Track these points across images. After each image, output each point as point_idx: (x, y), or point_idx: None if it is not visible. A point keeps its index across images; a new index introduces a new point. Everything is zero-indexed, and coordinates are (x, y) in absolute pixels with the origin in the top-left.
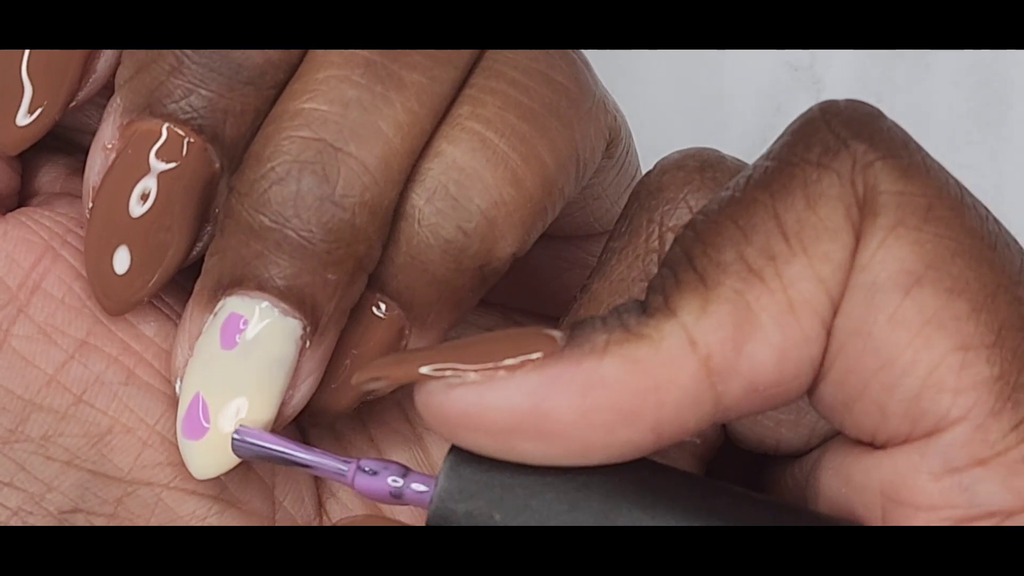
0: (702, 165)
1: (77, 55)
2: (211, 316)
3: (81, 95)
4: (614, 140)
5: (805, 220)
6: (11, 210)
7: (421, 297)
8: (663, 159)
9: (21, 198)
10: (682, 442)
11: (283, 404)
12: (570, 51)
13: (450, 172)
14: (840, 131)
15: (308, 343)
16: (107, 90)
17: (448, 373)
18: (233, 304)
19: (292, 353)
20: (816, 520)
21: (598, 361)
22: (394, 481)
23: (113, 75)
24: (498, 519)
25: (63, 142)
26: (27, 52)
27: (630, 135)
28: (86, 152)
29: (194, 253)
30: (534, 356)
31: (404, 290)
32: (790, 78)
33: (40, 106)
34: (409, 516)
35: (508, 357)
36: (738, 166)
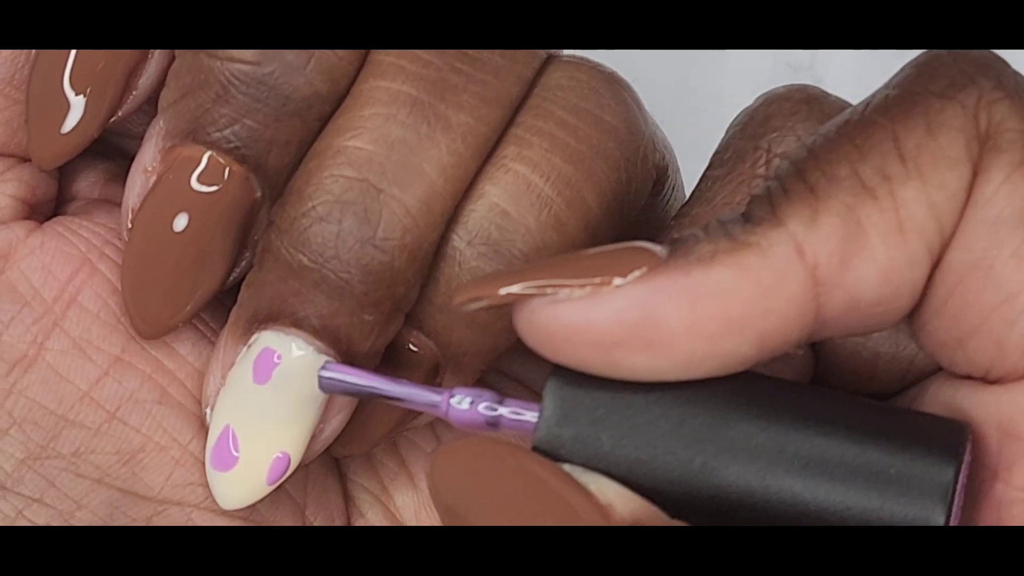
0: (809, 98)
1: (119, 71)
2: (245, 348)
3: (122, 111)
4: (661, 179)
5: (924, 146)
6: (48, 217)
7: (458, 338)
8: (766, 93)
9: (58, 203)
10: (785, 355)
11: (313, 438)
12: (621, 89)
13: (492, 215)
14: (967, 68)
15: None
16: (149, 102)
17: (552, 290)
18: (267, 339)
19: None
20: (927, 420)
21: (706, 269)
22: (489, 409)
23: (154, 91)
24: (605, 440)
25: (103, 145)
26: (69, 66)
27: (677, 171)
28: (125, 156)
29: (231, 279)
30: (640, 270)
31: (442, 330)
32: (790, 78)
33: (81, 121)
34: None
35: (611, 272)
36: (842, 103)
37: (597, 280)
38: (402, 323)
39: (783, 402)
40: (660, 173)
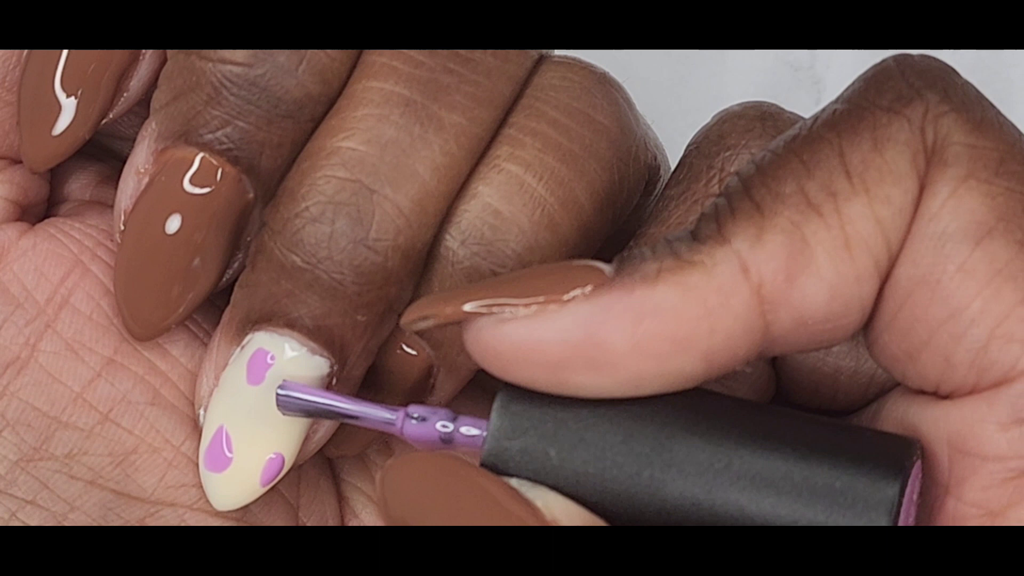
0: (763, 115)
1: (110, 73)
2: (238, 349)
3: (113, 113)
4: (653, 178)
5: (870, 161)
6: (40, 219)
7: (452, 338)
8: (722, 111)
9: (49, 204)
10: (735, 373)
11: (306, 439)
12: (613, 89)
13: (486, 215)
14: (914, 80)
15: (335, 380)
16: (140, 103)
17: (497, 309)
18: (261, 340)
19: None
20: (876, 436)
21: (651, 288)
22: (443, 426)
23: (146, 93)
24: (553, 454)
25: (94, 147)
26: (60, 68)
27: (669, 171)
28: (116, 158)
29: (224, 280)
30: (585, 288)
31: (435, 330)
32: (790, 78)
33: (72, 123)
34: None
35: (558, 290)
36: (796, 119)
37: (542, 299)
38: (395, 323)
39: (731, 418)
40: (652, 173)
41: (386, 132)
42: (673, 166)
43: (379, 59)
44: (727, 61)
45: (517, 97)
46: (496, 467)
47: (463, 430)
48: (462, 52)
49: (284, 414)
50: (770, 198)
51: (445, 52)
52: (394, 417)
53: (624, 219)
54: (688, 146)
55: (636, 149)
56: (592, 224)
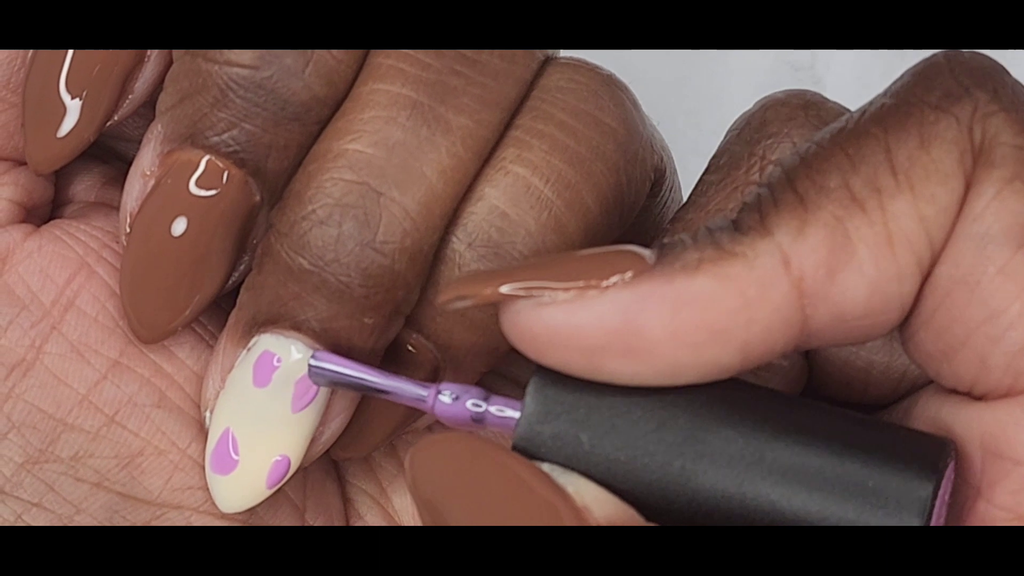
0: (806, 104)
1: (115, 74)
2: (244, 351)
3: (118, 115)
4: (659, 180)
5: (916, 158)
6: (45, 221)
7: (459, 340)
8: (764, 97)
9: (54, 206)
10: (770, 364)
11: (312, 441)
12: (619, 91)
13: (493, 217)
14: (963, 78)
15: None
16: (145, 105)
17: (536, 292)
18: (267, 342)
19: (324, 392)
20: (910, 434)
21: (691, 278)
22: (475, 405)
23: (151, 95)
24: (585, 440)
25: (99, 149)
26: (65, 70)
27: (675, 172)
28: (121, 159)
29: (230, 283)
30: (625, 275)
31: (442, 332)
32: (790, 78)
33: (77, 125)
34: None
35: (598, 275)
36: (840, 109)
37: (582, 283)
38: (402, 325)
39: (764, 411)
40: (658, 174)
41: (393, 134)
42: (676, 167)
43: (386, 61)
44: (728, 61)
45: (523, 99)
46: (527, 451)
47: (494, 410)
48: (468, 54)
49: (315, 383)
50: (814, 191)
51: (451, 54)
52: (426, 393)
53: (630, 221)
54: (729, 131)
55: (642, 151)
56: (599, 226)
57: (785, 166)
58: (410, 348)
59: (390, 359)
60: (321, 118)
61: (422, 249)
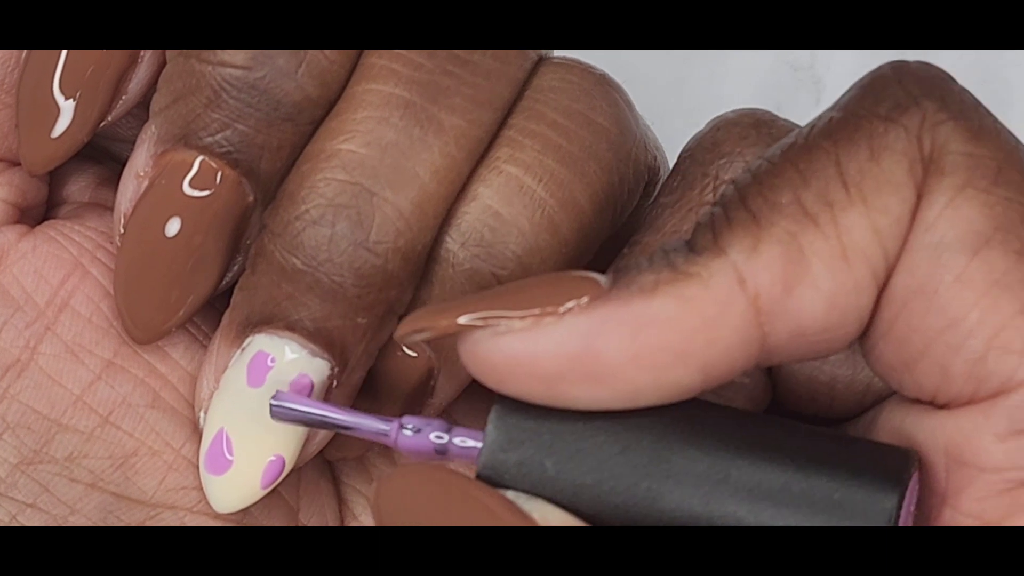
0: (757, 123)
1: (109, 75)
2: (238, 352)
3: (112, 115)
4: (652, 180)
5: (867, 171)
6: (39, 221)
7: (452, 341)
8: (716, 118)
9: (48, 207)
10: (732, 382)
11: (307, 442)
12: (612, 91)
13: (486, 217)
14: (911, 88)
15: (335, 383)
16: (139, 106)
17: (492, 321)
18: (261, 342)
19: (318, 393)
20: (874, 447)
21: (648, 300)
22: (438, 437)
23: (144, 96)
24: (549, 466)
25: (92, 149)
26: (59, 70)
27: (669, 171)
28: (115, 160)
29: (224, 283)
30: (581, 299)
31: None
32: (790, 78)
33: (71, 125)
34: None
35: (554, 302)
36: (791, 126)
37: (538, 311)
38: (396, 325)
39: (728, 429)
40: (652, 174)
41: (386, 134)
42: (665, 168)
43: (378, 61)
44: (727, 61)
45: (516, 99)
46: (492, 479)
47: (457, 441)
48: (461, 54)
49: (277, 422)
50: (766, 208)
51: (444, 54)
52: (388, 428)
53: (624, 220)
54: (682, 153)
55: (635, 150)
56: (592, 225)
57: (737, 184)
58: (404, 349)
59: (384, 362)
60: (314, 118)
61: (415, 249)
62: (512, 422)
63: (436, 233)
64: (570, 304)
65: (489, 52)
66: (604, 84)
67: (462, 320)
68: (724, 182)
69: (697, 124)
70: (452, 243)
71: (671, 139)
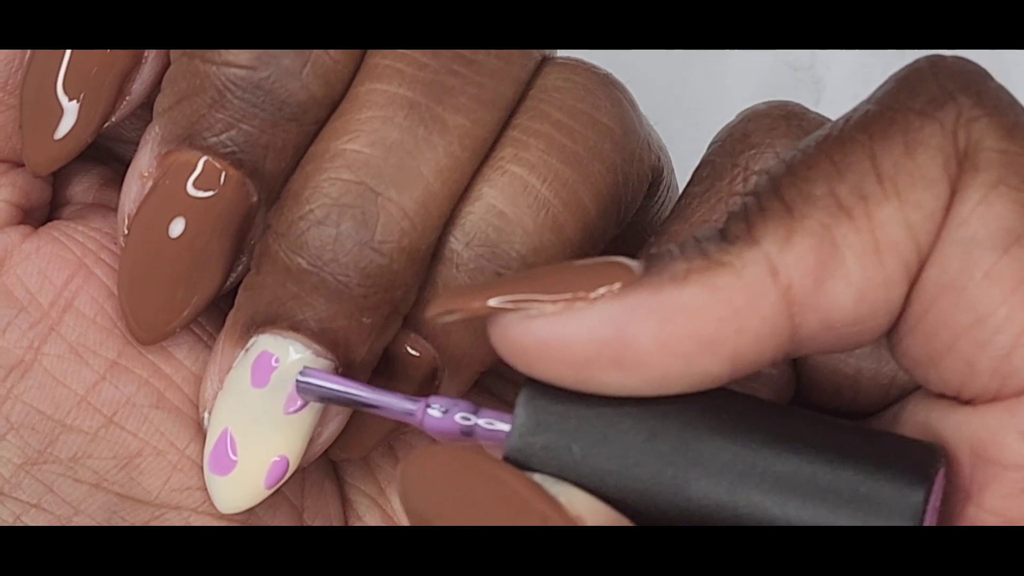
0: (788, 114)
1: (113, 76)
2: (243, 352)
3: (116, 116)
4: (656, 180)
5: (902, 165)
6: (43, 222)
7: (457, 340)
8: (746, 109)
9: (52, 207)
10: (758, 373)
11: (311, 442)
12: (616, 90)
13: (490, 217)
14: (947, 83)
15: None
16: (143, 107)
17: (524, 305)
18: (265, 342)
19: None
20: (901, 441)
21: (679, 289)
22: (464, 419)
23: (148, 96)
24: (576, 451)
25: (96, 150)
26: (63, 71)
27: (672, 172)
28: (119, 161)
29: (228, 283)
30: (613, 286)
31: (440, 333)
32: (790, 78)
33: (75, 126)
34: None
35: (586, 287)
36: (821, 119)
37: (570, 296)
38: (400, 326)
39: (755, 419)
40: (655, 174)
41: (390, 134)
42: (675, 167)
43: (383, 61)
44: (727, 61)
45: (520, 99)
46: (519, 462)
47: (484, 423)
48: (465, 54)
49: (303, 399)
50: (800, 199)
51: (448, 54)
52: (415, 408)
53: (628, 220)
54: (711, 143)
55: (639, 150)
56: (596, 225)
57: (771, 174)
58: (408, 350)
59: (388, 362)
60: (319, 118)
61: (420, 249)
62: (540, 405)
63: (440, 233)
64: (602, 290)
65: (493, 52)
66: (608, 84)
67: (493, 302)
68: (754, 172)
69: (697, 124)
70: (456, 243)
71: (671, 139)
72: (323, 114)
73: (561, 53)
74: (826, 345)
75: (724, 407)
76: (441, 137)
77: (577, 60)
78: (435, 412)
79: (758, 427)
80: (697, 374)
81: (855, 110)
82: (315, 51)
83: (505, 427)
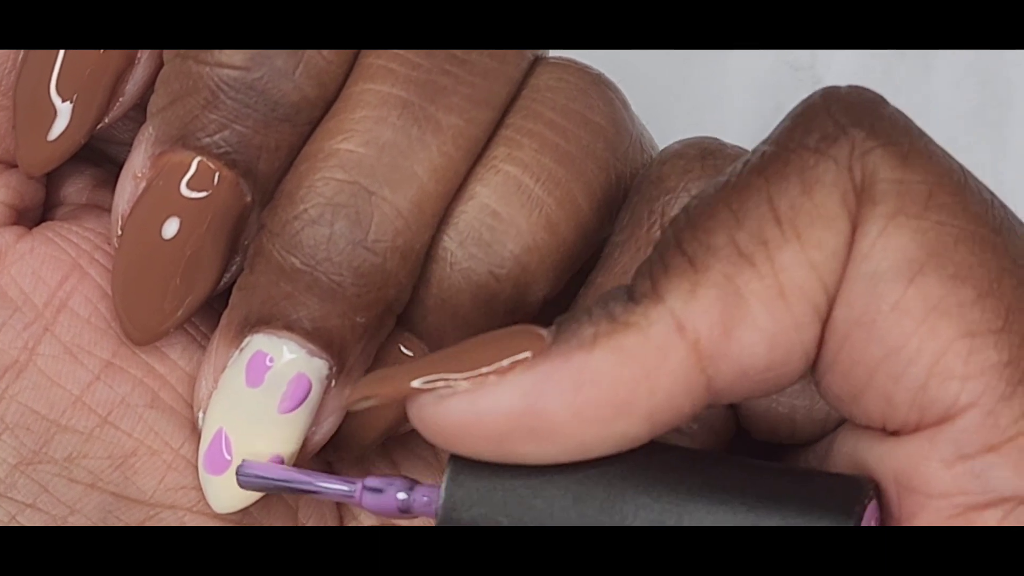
0: (702, 153)
1: (106, 77)
2: (237, 351)
3: (109, 117)
4: None
5: (799, 206)
6: (36, 223)
7: (450, 339)
8: (664, 149)
9: (45, 208)
10: (679, 428)
11: (305, 442)
12: (609, 90)
13: (483, 216)
14: (840, 117)
15: (334, 382)
16: (136, 108)
17: (438, 384)
18: (260, 342)
19: (317, 392)
20: (829, 479)
21: (587, 355)
22: (401, 496)
23: (142, 98)
24: (505, 522)
25: (90, 151)
26: (56, 73)
27: None
28: (112, 162)
29: (222, 284)
30: (523, 356)
31: (433, 331)
32: (790, 78)
33: (68, 128)
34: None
35: (496, 360)
36: (738, 153)
37: (483, 370)
38: (394, 325)
39: (680, 472)
40: None
41: (384, 134)
42: None
43: (376, 61)
44: (727, 61)
45: (514, 98)
46: None
47: (419, 499)
48: (458, 53)
49: (244, 488)
50: (701, 251)
51: (442, 54)
52: (352, 489)
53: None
54: (633, 186)
55: (632, 150)
56: (590, 224)
57: (674, 227)
58: (402, 347)
59: (382, 361)
60: (312, 119)
61: (414, 248)
62: (464, 481)
63: (434, 232)
64: (512, 360)
65: (486, 52)
66: (600, 84)
67: (409, 384)
68: (670, 219)
69: (697, 124)
70: (450, 242)
71: (671, 139)
72: (316, 114)
73: (561, 53)
74: (744, 392)
75: (647, 463)
76: (435, 136)
77: (569, 60)
78: (372, 492)
79: (682, 480)
80: (615, 437)
81: (753, 152)
82: (308, 51)
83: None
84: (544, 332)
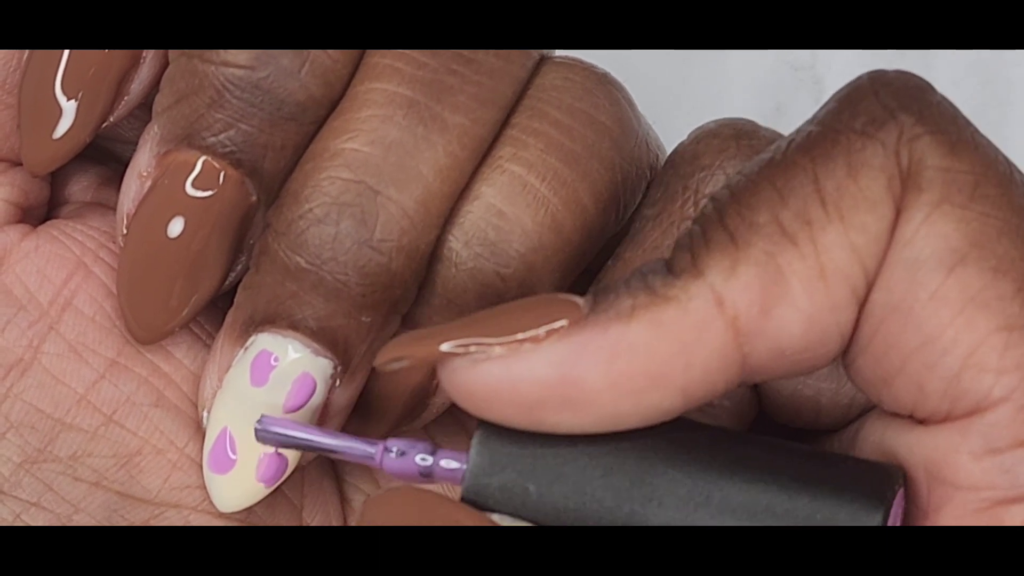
0: (737, 133)
1: (111, 76)
2: (242, 351)
3: (114, 116)
4: (654, 179)
5: (844, 188)
6: (41, 221)
7: None
8: (698, 128)
9: (50, 207)
10: (711, 404)
11: None
12: (614, 89)
13: (489, 216)
14: (888, 101)
15: (338, 382)
16: (141, 106)
17: (472, 348)
18: (264, 341)
19: (322, 392)
20: (859, 464)
21: (625, 326)
22: (423, 460)
23: (147, 96)
24: (532, 490)
25: (94, 149)
26: (61, 71)
27: None
28: (117, 160)
29: (227, 283)
30: (559, 324)
31: None
32: (790, 78)
33: (73, 126)
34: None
35: (532, 327)
36: (772, 136)
37: (516, 337)
38: (399, 324)
39: (711, 450)
40: (653, 173)
41: (390, 133)
42: None
43: (382, 60)
44: (728, 61)
45: (519, 98)
46: (476, 502)
47: (443, 463)
48: (464, 53)
49: (261, 444)
50: (744, 228)
51: (448, 53)
52: (374, 451)
53: (626, 219)
54: (664, 164)
55: (638, 149)
56: (595, 224)
57: (716, 201)
58: None
59: None
60: (318, 118)
61: (419, 247)
62: (494, 446)
63: (440, 232)
64: (548, 328)
65: (492, 51)
66: (606, 83)
67: (442, 348)
68: (704, 196)
69: (697, 124)
70: (455, 242)
71: (671, 139)
72: (322, 113)
73: (561, 53)
74: (778, 372)
75: (679, 439)
76: (440, 136)
77: (575, 59)
78: (393, 454)
79: (714, 457)
80: (648, 409)
81: (798, 131)
82: (314, 51)
83: (463, 467)
84: (580, 301)
